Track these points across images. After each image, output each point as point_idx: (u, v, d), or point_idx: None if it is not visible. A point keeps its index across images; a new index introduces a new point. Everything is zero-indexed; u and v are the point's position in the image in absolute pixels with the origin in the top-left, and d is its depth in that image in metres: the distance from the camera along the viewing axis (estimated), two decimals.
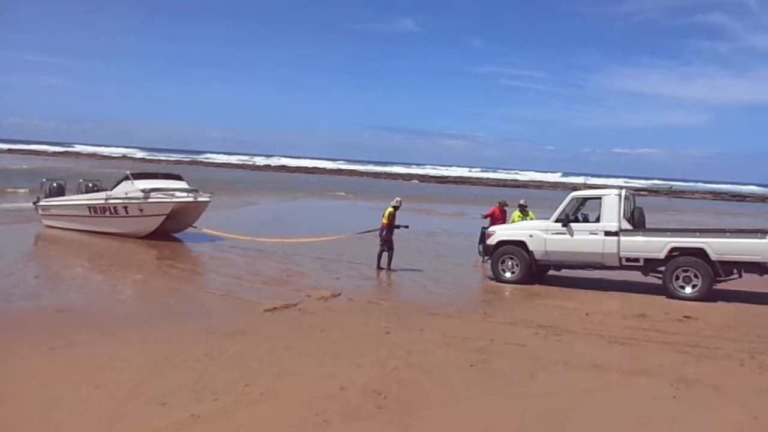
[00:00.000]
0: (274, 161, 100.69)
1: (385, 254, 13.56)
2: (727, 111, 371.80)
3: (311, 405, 5.70)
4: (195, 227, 17.30)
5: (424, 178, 79.59)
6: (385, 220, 13.66)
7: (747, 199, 65.83)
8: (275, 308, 9.58)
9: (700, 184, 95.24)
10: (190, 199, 17.17)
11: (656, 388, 6.54)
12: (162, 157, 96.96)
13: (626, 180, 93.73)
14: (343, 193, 42.57)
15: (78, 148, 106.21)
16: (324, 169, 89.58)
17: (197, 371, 6.54)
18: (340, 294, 10.83)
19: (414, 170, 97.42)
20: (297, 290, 11.01)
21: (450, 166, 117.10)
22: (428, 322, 9.11)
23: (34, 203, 19.39)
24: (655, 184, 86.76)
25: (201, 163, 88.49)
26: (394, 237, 13.69)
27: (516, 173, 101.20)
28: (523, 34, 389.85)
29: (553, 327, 8.97)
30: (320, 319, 9.08)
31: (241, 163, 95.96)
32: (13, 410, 5.50)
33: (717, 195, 69.37)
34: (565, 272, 13.39)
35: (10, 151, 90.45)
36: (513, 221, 14.70)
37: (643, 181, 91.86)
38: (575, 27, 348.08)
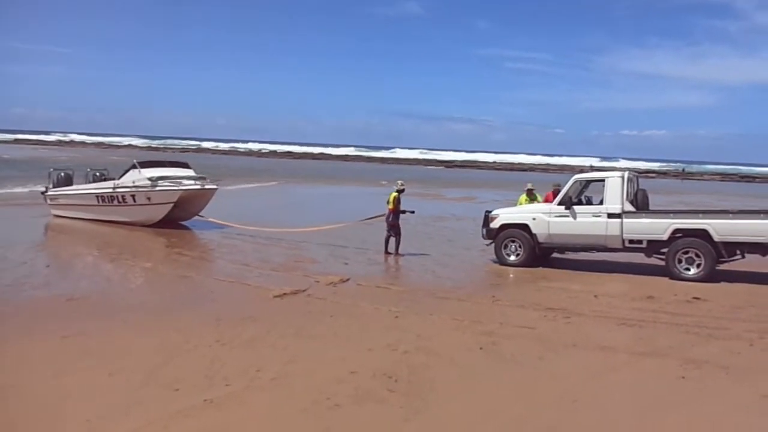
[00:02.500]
0: (278, 147, 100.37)
1: (392, 239, 13.60)
2: (737, 91, 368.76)
3: (322, 389, 5.75)
4: (201, 216, 17.33)
5: (432, 162, 79.21)
6: (390, 206, 13.68)
7: (756, 180, 65.30)
8: (284, 294, 9.63)
9: (720, 166, 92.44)
10: (198, 187, 17.22)
11: (665, 369, 6.56)
12: (154, 144, 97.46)
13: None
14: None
15: (83, 137, 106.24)
16: (330, 155, 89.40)
17: (209, 357, 6.61)
18: (348, 279, 10.86)
19: (426, 155, 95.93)
20: (305, 276, 11.06)
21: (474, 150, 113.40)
22: (437, 306, 9.15)
23: (42, 193, 19.49)
24: (671, 166, 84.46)
25: (206, 150, 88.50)
26: (400, 222, 13.71)
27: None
28: (529, 15, 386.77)
29: (561, 310, 8.98)
30: (329, 305, 9.13)
31: (246, 150, 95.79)
32: (28, 399, 5.57)
33: (726, 176, 68.87)
34: (572, 255, 13.41)
35: (16, 141, 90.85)
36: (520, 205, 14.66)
37: (664, 164, 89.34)
38: (581, 7, 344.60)
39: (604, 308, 9.22)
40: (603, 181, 12.18)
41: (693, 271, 11.14)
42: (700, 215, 11.63)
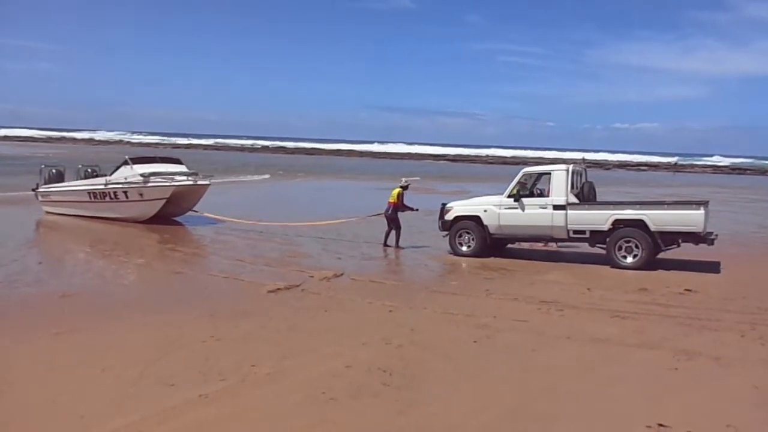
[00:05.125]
0: (270, 143, 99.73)
1: (392, 233, 13.77)
2: (728, 83, 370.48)
3: (317, 383, 5.76)
4: (196, 211, 17.31)
5: (426, 156, 79.12)
6: (392, 200, 13.86)
7: (747, 172, 65.70)
8: (278, 289, 9.61)
9: (716, 158, 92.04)
10: (190, 183, 17.16)
11: (658, 360, 6.60)
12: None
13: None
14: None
15: (73, 134, 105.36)
16: (323, 149, 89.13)
17: (203, 353, 6.60)
18: (342, 274, 10.87)
19: (418, 149, 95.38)
20: (299, 271, 11.05)
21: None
22: (431, 300, 9.17)
23: (33, 190, 19.35)
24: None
25: (198, 146, 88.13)
26: (399, 215, 13.88)
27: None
28: (520, 8, 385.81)
29: (555, 302, 9.02)
30: (323, 299, 9.13)
31: (239, 145, 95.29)
32: (22, 394, 5.55)
33: (717, 168, 69.26)
34: (565, 248, 13.50)
35: (5, 138, 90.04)
36: None
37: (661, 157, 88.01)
38: (572, 1, 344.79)
39: (597, 301, 9.26)
40: (549, 174, 12.53)
41: (630, 260, 11.51)
42: (638, 206, 11.98)
